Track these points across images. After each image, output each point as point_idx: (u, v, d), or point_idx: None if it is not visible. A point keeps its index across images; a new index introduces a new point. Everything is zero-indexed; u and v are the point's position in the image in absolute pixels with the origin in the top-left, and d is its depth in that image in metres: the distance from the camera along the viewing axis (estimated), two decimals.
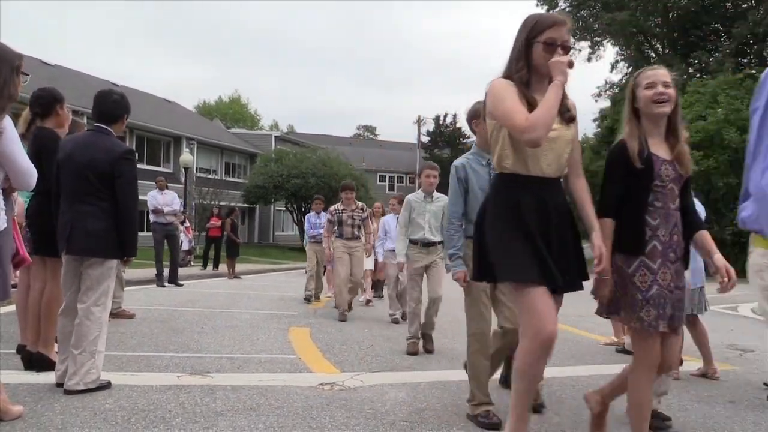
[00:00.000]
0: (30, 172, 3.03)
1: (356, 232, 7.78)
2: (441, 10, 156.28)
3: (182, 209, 13.69)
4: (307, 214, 9.83)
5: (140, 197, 4.08)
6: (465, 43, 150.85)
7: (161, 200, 9.94)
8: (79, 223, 3.61)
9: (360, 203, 7.88)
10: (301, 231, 23.40)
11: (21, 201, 3.89)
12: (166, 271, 10.54)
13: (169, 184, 10.57)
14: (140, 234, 4.20)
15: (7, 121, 2.86)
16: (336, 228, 7.78)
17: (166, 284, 10.46)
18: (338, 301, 7.61)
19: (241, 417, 3.23)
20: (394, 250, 6.53)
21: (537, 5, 36.89)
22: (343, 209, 7.78)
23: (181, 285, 10.73)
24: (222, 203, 27.79)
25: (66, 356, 3.62)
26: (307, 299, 9.29)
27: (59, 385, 3.60)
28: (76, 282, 3.69)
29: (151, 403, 3.43)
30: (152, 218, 10.01)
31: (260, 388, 3.85)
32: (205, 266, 16.20)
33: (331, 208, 8.02)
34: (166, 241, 10.06)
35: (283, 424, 3.15)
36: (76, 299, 3.66)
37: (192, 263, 18.13)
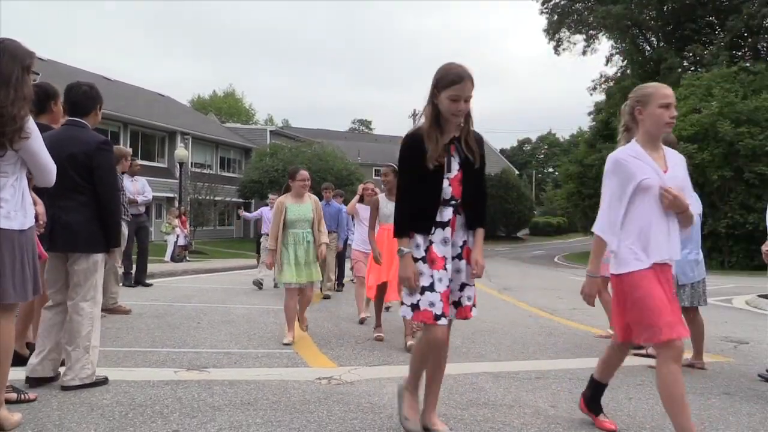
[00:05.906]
0: (51, 169, 2.97)
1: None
2: (437, 7, 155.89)
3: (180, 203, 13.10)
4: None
5: None
6: (460, 40, 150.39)
7: (131, 188, 8.10)
8: (61, 219, 3.60)
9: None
10: None
11: (38, 200, 3.79)
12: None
13: (163, 179, 9.48)
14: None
15: (30, 121, 2.82)
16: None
17: (134, 283, 9.17)
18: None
19: (238, 412, 3.23)
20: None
21: None
22: None
23: (149, 285, 9.44)
24: (217, 198, 27.77)
25: (42, 350, 3.58)
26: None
27: (28, 379, 3.51)
28: (62, 278, 3.67)
29: (149, 398, 3.43)
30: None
31: (257, 382, 3.86)
32: None
33: None
34: (136, 235, 8.56)
35: (280, 418, 3.16)
36: (64, 295, 3.64)
37: (187, 258, 18.12)
